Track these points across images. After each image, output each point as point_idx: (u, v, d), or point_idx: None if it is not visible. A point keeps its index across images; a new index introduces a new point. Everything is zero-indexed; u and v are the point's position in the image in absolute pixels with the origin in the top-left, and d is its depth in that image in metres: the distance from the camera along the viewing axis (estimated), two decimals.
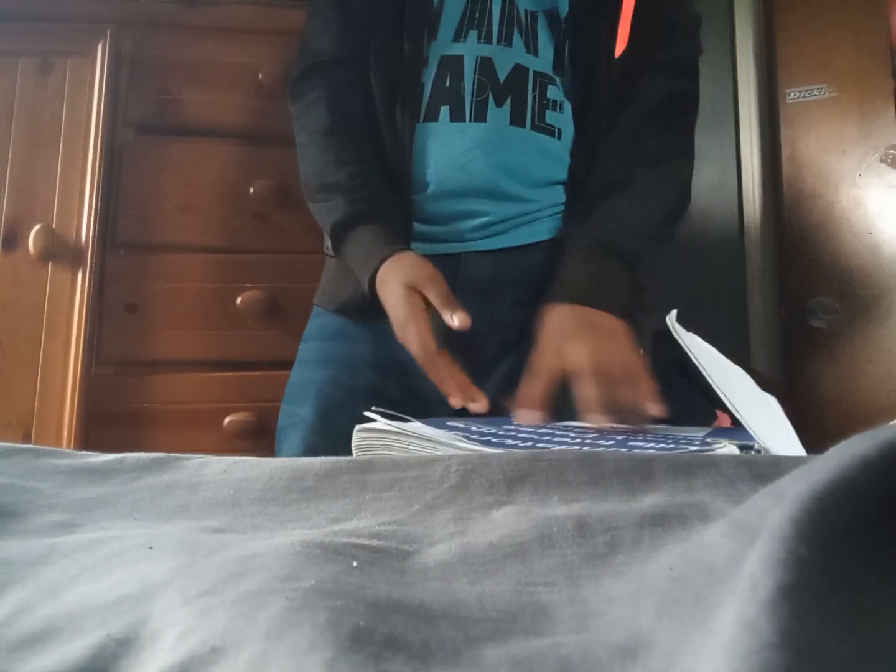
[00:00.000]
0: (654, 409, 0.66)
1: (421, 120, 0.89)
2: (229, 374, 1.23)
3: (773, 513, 0.21)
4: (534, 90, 0.88)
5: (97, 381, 1.18)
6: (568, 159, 0.90)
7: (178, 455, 0.45)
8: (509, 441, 0.55)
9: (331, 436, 0.85)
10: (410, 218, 0.89)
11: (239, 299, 1.24)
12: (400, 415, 0.60)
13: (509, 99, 0.87)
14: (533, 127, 0.88)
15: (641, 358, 0.73)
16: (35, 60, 1.20)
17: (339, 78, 0.93)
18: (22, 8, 1.20)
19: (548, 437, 0.58)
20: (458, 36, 0.90)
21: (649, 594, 0.25)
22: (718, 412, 1.02)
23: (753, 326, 2.02)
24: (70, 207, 1.19)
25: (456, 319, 0.74)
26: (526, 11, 0.91)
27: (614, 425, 0.65)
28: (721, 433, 0.64)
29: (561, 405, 0.72)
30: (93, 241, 1.18)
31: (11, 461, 0.43)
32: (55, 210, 1.19)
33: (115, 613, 0.26)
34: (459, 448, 0.54)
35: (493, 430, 0.59)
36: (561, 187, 0.91)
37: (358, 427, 0.60)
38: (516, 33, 0.90)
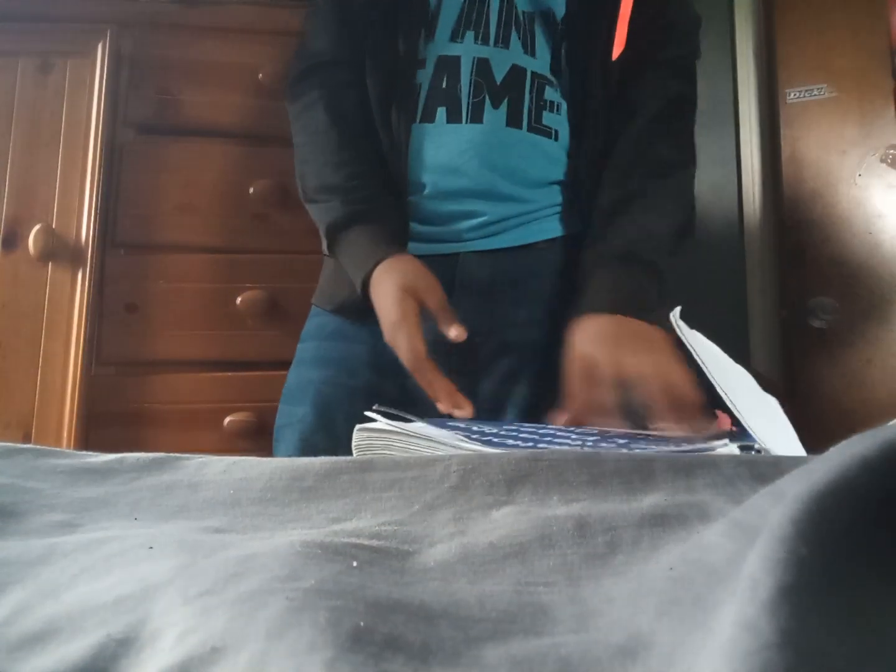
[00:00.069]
0: (702, 421, 0.64)
1: (418, 121, 0.89)
2: (229, 374, 1.23)
3: (773, 513, 0.21)
4: (531, 91, 0.88)
5: (97, 381, 1.18)
6: (565, 160, 0.90)
7: (178, 455, 0.45)
8: (510, 441, 0.55)
9: (328, 436, 0.85)
10: (407, 218, 0.89)
11: (239, 299, 1.24)
12: (401, 414, 0.60)
13: (506, 100, 0.87)
14: (530, 128, 0.88)
15: (687, 368, 0.72)
16: (35, 60, 1.20)
17: (337, 79, 0.93)
18: (22, 8, 1.20)
19: (549, 438, 0.58)
20: (455, 36, 0.90)
21: (649, 594, 0.25)
22: (718, 412, 1.02)
23: (753, 326, 2.02)
24: (70, 207, 1.19)
25: (453, 332, 0.75)
26: (524, 13, 0.91)
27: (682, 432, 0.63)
28: (722, 434, 0.64)
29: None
30: (93, 241, 1.18)
31: (11, 461, 0.43)
32: (55, 210, 1.19)
33: (115, 613, 0.26)
34: (460, 448, 0.54)
35: (495, 430, 0.59)
36: (558, 187, 0.91)
37: (358, 427, 0.60)
38: (514, 34, 0.89)
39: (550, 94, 0.90)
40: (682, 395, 0.66)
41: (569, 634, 0.24)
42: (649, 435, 0.62)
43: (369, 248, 0.83)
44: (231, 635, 0.22)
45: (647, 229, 0.84)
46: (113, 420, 1.18)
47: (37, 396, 1.16)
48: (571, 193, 0.91)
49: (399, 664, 0.20)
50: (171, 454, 0.45)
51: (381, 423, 0.59)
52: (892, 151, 1.82)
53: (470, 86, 0.88)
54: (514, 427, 0.63)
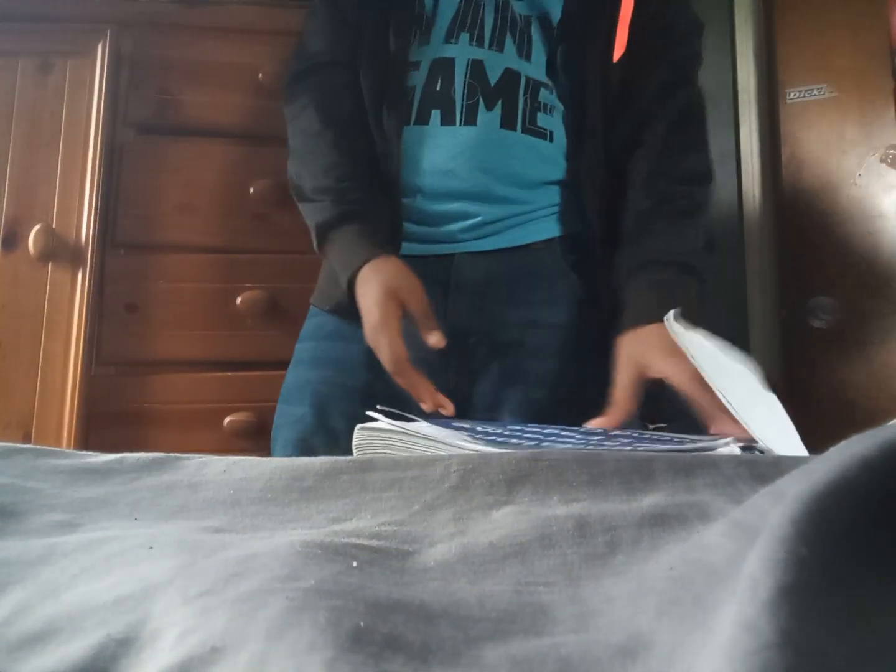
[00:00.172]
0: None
1: (412, 123, 0.89)
2: (229, 374, 1.23)
3: (773, 513, 0.21)
4: (525, 93, 0.88)
5: (97, 381, 1.18)
6: (562, 160, 0.90)
7: (178, 455, 0.45)
8: (513, 441, 0.55)
9: (326, 435, 0.85)
10: (400, 220, 0.89)
11: (239, 299, 1.24)
12: (403, 413, 0.60)
13: (500, 102, 0.87)
14: (524, 130, 0.88)
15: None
16: (35, 60, 1.20)
17: (332, 80, 0.94)
18: (22, 8, 1.20)
19: (553, 438, 0.58)
20: (450, 38, 0.90)
21: (649, 594, 0.25)
22: None
23: (753, 326, 2.02)
24: (70, 207, 1.19)
25: (433, 338, 0.75)
26: (521, 15, 0.91)
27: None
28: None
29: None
30: (93, 241, 1.18)
31: (11, 461, 0.43)
32: (55, 210, 1.19)
33: (115, 613, 0.26)
34: (462, 448, 0.53)
35: (498, 431, 0.59)
36: (555, 188, 0.91)
37: (360, 426, 0.60)
38: (509, 38, 0.89)
39: (545, 96, 0.90)
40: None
41: (569, 634, 0.24)
42: (653, 435, 0.62)
43: (356, 249, 0.84)
44: (231, 635, 0.22)
45: (683, 234, 0.84)
46: (113, 420, 1.18)
47: (37, 396, 1.16)
48: (570, 194, 0.91)
49: (399, 664, 0.20)
50: (171, 454, 0.45)
51: (383, 422, 0.59)
52: (892, 151, 1.82)
53: (464, 88, 0.88)
54: (518, 427, 0.63)
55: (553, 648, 0.22)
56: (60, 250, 1.18)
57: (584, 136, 0.89)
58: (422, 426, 0.58)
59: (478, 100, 0.87)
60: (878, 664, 0.18)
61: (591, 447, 0.54)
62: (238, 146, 1.27)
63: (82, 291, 1.17)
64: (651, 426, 0.84)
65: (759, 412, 0.58)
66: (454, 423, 0.61)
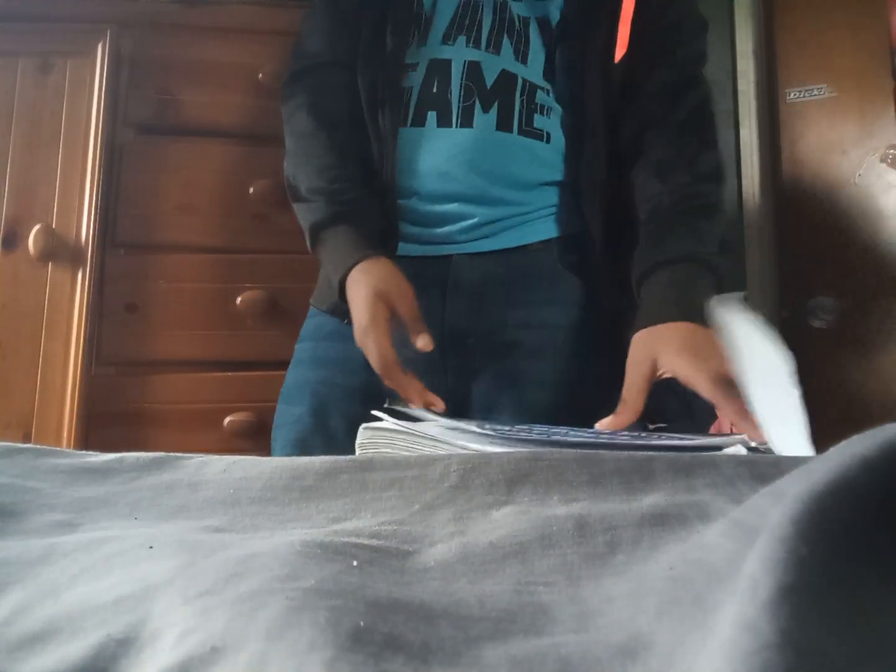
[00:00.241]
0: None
1: (409, 124, 0.89)
2: (229, 374, 1.23)
3: (773, 513, 0.21)
4: (522, 95, 0.88)
5: (97, 381, 1.18)
6: (559, 162, 0.90)
7: (178, 455, 0.45)
8: (519, 442, 0.55)
9: (325, 435, 0.85)
10: (396, 221, 0.89)
11: (239, 299, 1.24)
12: (408, 412, 0.60)
13: (496, 104, 0.87)
14: (520, 132, 0.87)
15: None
16: (35, 60, 1.20)
17: (329, 81, 0.94)
18: (22, 8, 1.20)
19: (558, 438, 0.57)
20: (447, 38, 0.90)
21: (649, 594, 0.25)
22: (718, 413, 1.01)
23: None
24: (70, 207, 1.19)
25: (420, 342, 0.75)
26: (519, 17, 0.91)
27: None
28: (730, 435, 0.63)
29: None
30: (93, 241, 1.18)
31: (11, 461, 0.43)
32: (55, 210, 1.19)
33: (115, 613, 0.26)
34: (467, 448, 0.53)
35: (505, 430, 0.59)
36: (553, 188, 0.90)
37: (364, 425, 0.60)
38: (506, 40, 0.89)
39: (542, 97, 0.89)
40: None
41: (569, 634, 0.24)
42: (661, 436, 0.62)
43: (347, 250, 0.84)
44: (231, 635, 0.22)
45: (699, 232, 0.83)
46: (113, 420, 1.18)
47: (37, 396, 1.16)
48: (569, 195, 0.90)
49: (399, 664, 0.20)
50: (171, 454, 0.45)
51: (388, 422, 0.59)
52: (892, 151, 1.82)
53: (460, 89, 0.88)
54: (525, 427, 0.63)
55: (553, 648, 0.22)
56: (60, 250, 1.18)
57: (584, 137, 0.89)
58: (426, 426, 0.58)
59: (474, 101, 0.87)
60: (878, 664, 0.18)
61: (600, 441, 0.54)
62: (238, 146, 1.27)
63: (82, 291, 1.17)
64: (651, 426, 0.84)
65: (776, 410, 0.58)
66: (458, 424, 0.61)
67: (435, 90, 0.88)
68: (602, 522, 0.33)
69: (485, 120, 0.87)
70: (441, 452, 0.54)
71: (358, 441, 0.59)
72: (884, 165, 1.83)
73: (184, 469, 0.43)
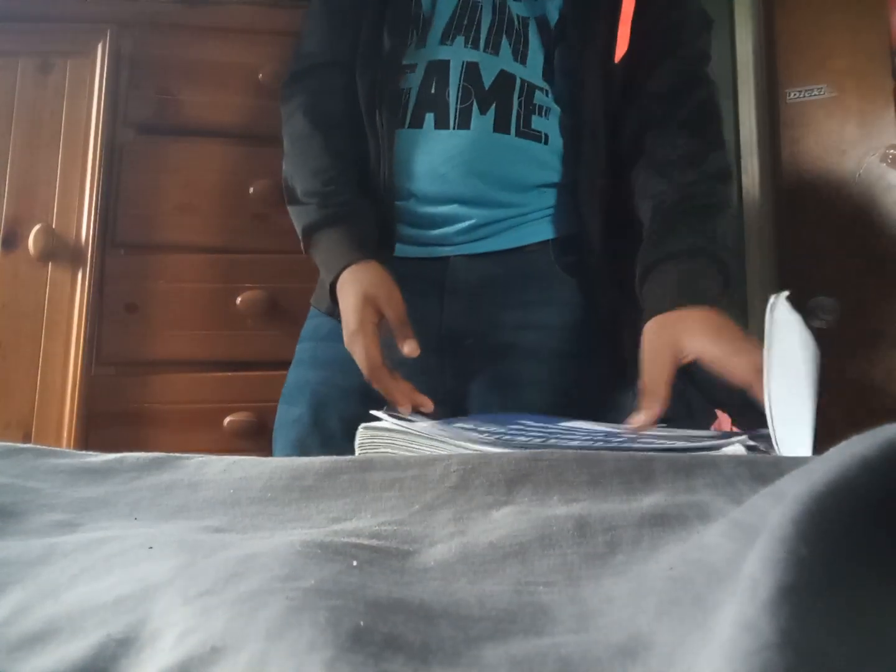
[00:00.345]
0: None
1: (406, 126, 0.89)
2: (229, 374, 1.23)
3: (773, 513, 0.21)
4: (519, 96, 0.88)
5: (97, 381, 1.18)
6: (557, 163, 0.90)
7: (177, 455, 0.45)
8: (518, 441, 0.55)
9: (324, 435, 0.85)
10: (393, 222, 0.89)
11: (239, 299, 1.24)
12: (407, 416, 0.60)
13: (493, 105, 0.87)
14: (518, 133, 0.87)
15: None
16: (35, 60, 1.20)
17: (327, 82, 0.93)
18: (22, 8, 1.20)
19: (557, 437, 0.57)
20: (446, 38, 0.90)
21: (649, 594, 0.25)
22: (718, 412, 1.01)
23: (753, 326, 2.02)
24: (70, 207, 1.19)
25: (406, 347, 0.75)
26: (518, 17, 0.90)
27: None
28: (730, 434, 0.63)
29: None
30: (93, 241, 1.18)
31: (11, 461, 0.43)
32: (55, 210, 1.19)
33: (115, 613, 0.26)
34: (466, 448, 0.53)
35: (502, 430, 0.59)
36: (551, 190, 0.90)
37: (363, 425, 0.60)
38: (505, 41, 0.89)
39: (540, 98, 0.89)
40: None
41: (569, 634, 0.24)
42: (659, 432, 0.62)
43: (338, 253, 0.84)
44: (231, 635, 0.22)
45: (707, 229, 0.81)
46: (113, 420, 1.18)
47: (37, 396, 1.16)
48: (567, 196, 0.90)
49: (399, 664, 0.20)
50: (171, 454, 0.45)
51: (387, 422, 0.59)
52: (892, 151, 1.82)
53: (458, 91, 0.87)
54: (522, 426, 0.63)
55: (553, 648, 0.22)
56: (60, 250, 1.18)
57: (583, 138, 0.89)
58: (425, 426, 0.58)
59: (472, 103, 0.87)
60: (878, 664, 0.18)
61: (597, 445, 0.54)
62: (238, 146, 1.27)
63: (82, 291, 1.17)
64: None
65: (788, 410, 0.58)
66: (457, 424, 0.61)
67: (433, 91, 0.88)
68: (602, 522, 0.33)
69: (482, 122, 0.87)
70: (441, 452, 0.54)
71: (357, 441, 0.59)
72: (884, 165, 1.83)
73: (184, 469, 0.43)
